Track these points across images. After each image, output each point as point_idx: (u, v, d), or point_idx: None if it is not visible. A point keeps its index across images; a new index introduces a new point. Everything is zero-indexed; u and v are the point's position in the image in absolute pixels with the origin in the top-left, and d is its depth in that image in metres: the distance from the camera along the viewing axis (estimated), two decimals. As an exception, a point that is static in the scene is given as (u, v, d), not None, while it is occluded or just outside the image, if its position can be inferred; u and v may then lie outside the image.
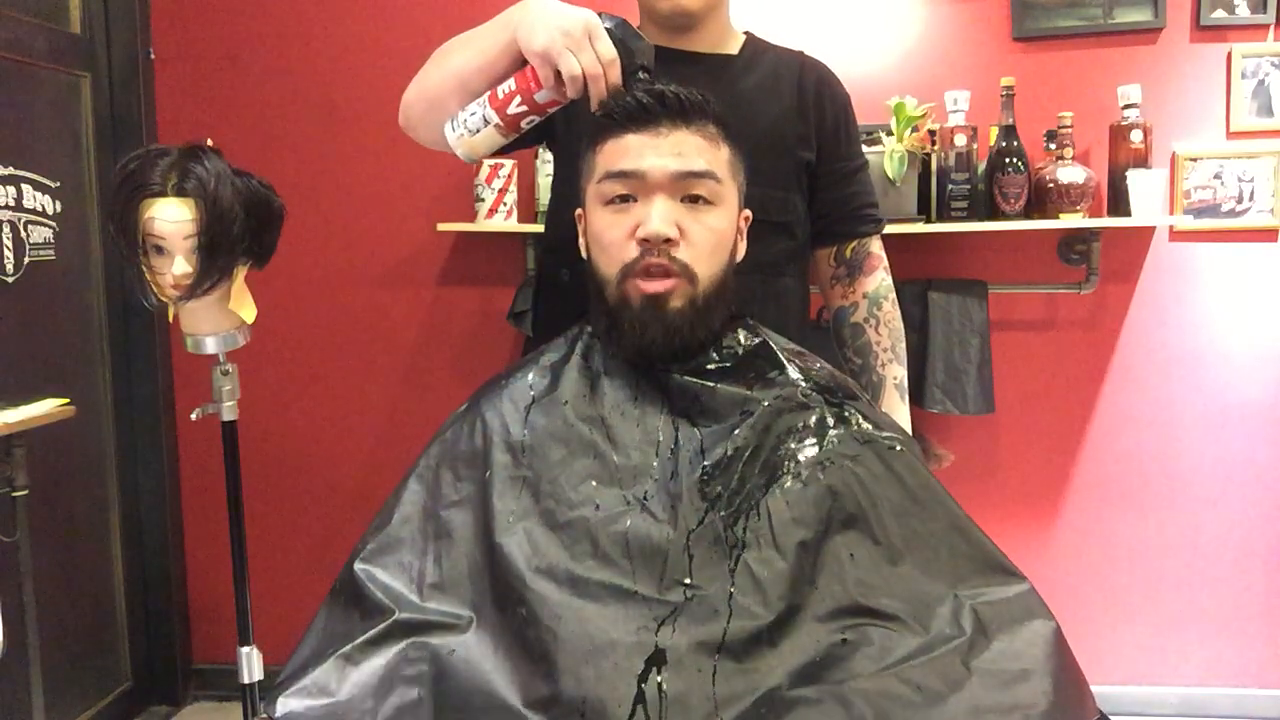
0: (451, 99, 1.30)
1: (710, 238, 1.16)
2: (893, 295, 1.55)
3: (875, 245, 1.55)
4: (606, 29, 1.18)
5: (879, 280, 1.54)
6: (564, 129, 1.42)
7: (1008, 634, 1.02)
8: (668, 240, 1.13)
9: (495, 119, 1.23)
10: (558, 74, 1.18)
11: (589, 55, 1.17)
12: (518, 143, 1.34)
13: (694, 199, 1.16)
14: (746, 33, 1.53)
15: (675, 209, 1.15)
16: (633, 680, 0.96)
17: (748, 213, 1.26)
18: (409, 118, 1.41)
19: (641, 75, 1.19)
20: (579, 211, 1.25)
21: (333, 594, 1.15)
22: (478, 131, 1.25)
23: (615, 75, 1.18)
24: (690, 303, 1.15)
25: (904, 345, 1.55)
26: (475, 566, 1.10)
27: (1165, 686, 2.48)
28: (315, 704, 1.03)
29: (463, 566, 1.10)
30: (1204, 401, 2.42)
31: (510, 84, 1.22)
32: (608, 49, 1.17)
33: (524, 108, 1.22)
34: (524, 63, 1.22)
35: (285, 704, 1.04)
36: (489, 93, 1.25)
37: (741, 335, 1.22)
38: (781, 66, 1.49)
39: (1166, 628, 2.47)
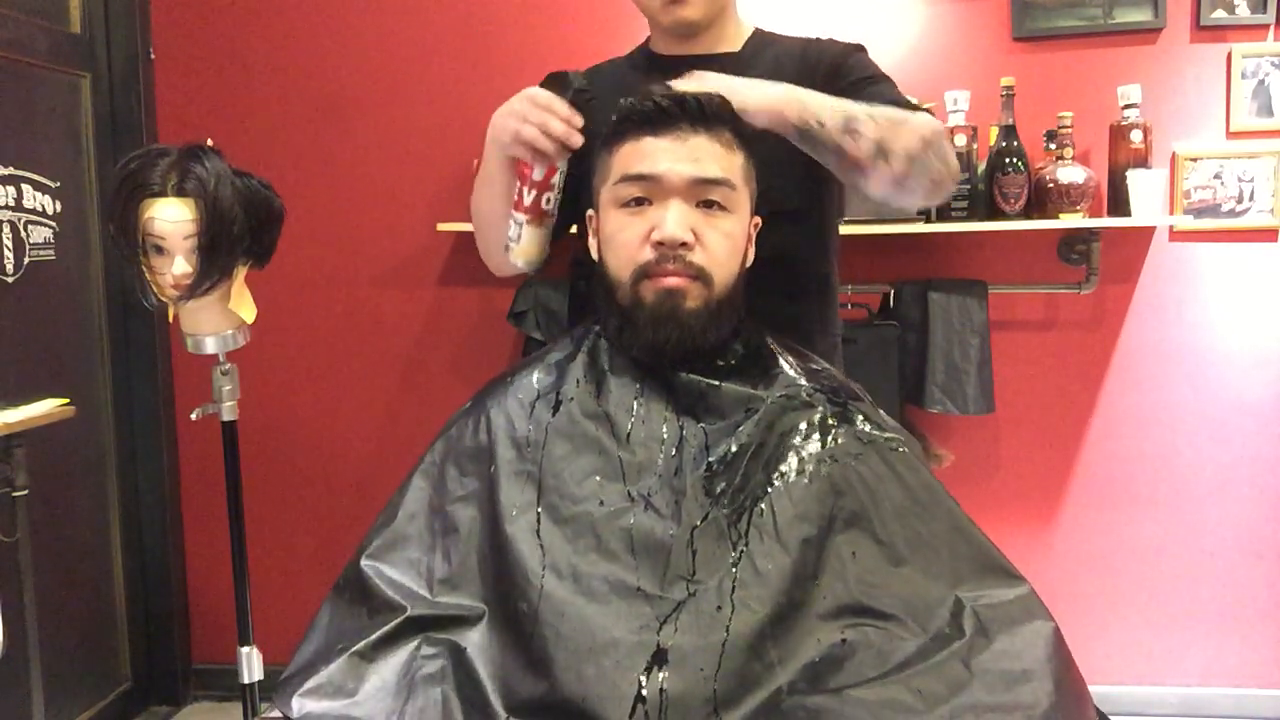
0: (495, 233, 1.42)
1: (725, 243, 1.17)
2: (927, 115, 1.31)
3: None
4: (541, 85, 1.30)
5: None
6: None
7: (1008, 635, 1.02)
8: (683, 244, 1.14)
9: (523, 218, 1.34)
10: (532, 150, 1.27)
11: (534, 113, 1.25)
12: (562, 225, 1.43)
13: (708, 204, 1.16)
14: (756, 28, 1.51)
15: (690, 214, 1.15)
16: (634, 679, 0.96)
17: (758, 219, 1.26)
18: (492, 268, 1.53)
19: (584, 95, 1.28)
20: (590, 213, 1.26)
21: (337, 590, 1.15)
22: (519, 238, 1.35)
23: (559, 109, 1.25)
24: (705, 304, 1.15)
25: (897, 115, 1.27)
26: (483, 561, 1.10)
27: (1165, 686, 2.48)
28: (335, 704, 1.03)
29: (471, 562, 1.11)
30: (1204, 401, 2.42)
31: (516, 183, 1.34)
32: (543, 97, 1.26)
33: (534, 191, 1.31)
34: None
35: (302, 704, 1.04)
36: (510, 204, 1.37)
37: (745, 336, 1.23)
38: (784, 56, 1.46)
39: (1166, 628, 2.47)
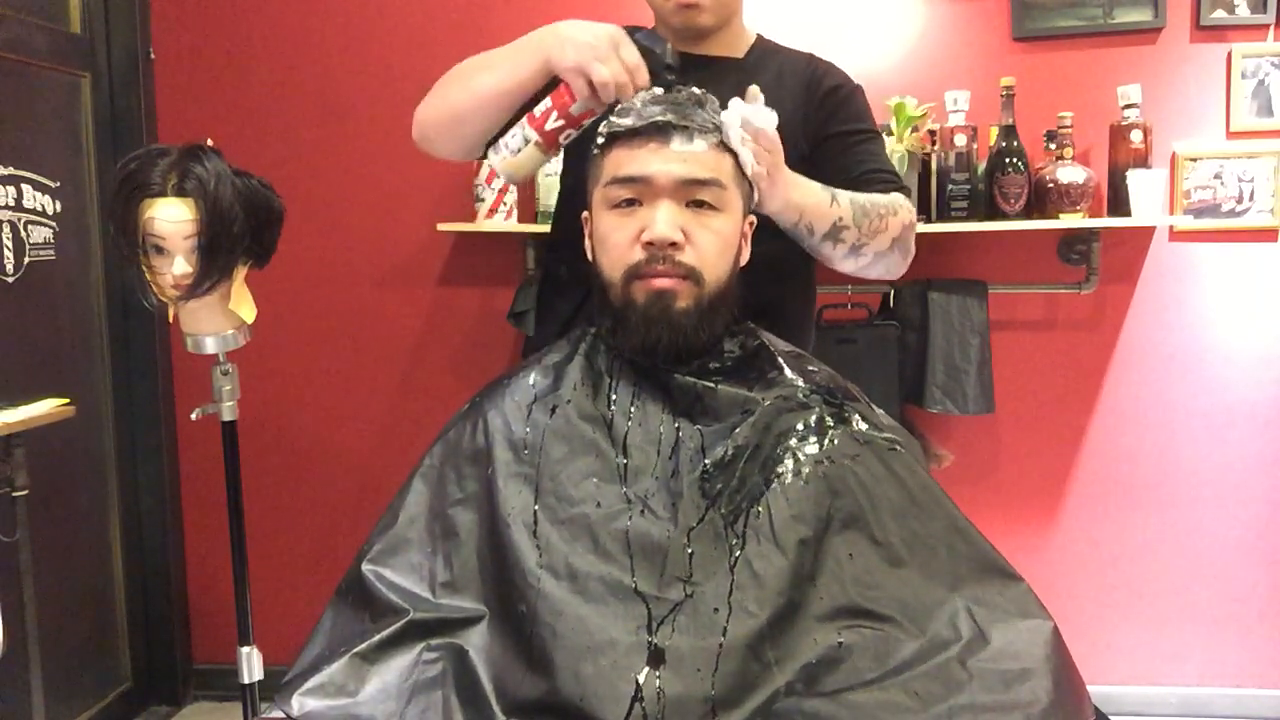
0: (476, 116, 1.38)
1: (715, 241, 1.18)
2: (906, 210, 1.39)
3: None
4: (632, 38, 1.27)
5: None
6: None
7: (1006, 635, 1.02)
8: (672, 244, 1.14)
9: (535, 137, 1.30)
10: (590, 85, 1.24)
11: (616, 63, 1.23)
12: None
13: (699, 203, 1.17)
14: (758, 35, 1.53)
15: (680, 213, 1.16)
16: (631, 679, 0.96)
17: (752, 219, 1.26)
18: (426, 134, 1.47)
19: (669, 76, 1.26)
20: (585, 215, 1.26)
21: (339, 594, 1.16)
22: (519, 151, 1.32)
23: (642, 78, 1.24)
24: (696, 303, 1.16)
25: (882, 214, 1.35)
26: (483, 564, 1.11)
27: (1165, 686, 2.48)
28: (336, 704, 1.03)
29: (472, 564, 1.11)
30: (1204, 401, 2.42)
31: (546, 102, 1.29)
32: (632, 55, 1.25)
33: (561, 122, 1.28)
34: (555, 83, 1.29)
35: (303, 703, 1.04)
36: (527, 114, 1.32)
37: (742, 338, 1.23)
38: (787, 67, 1.49)
39: (1166, 628, 2.47)
